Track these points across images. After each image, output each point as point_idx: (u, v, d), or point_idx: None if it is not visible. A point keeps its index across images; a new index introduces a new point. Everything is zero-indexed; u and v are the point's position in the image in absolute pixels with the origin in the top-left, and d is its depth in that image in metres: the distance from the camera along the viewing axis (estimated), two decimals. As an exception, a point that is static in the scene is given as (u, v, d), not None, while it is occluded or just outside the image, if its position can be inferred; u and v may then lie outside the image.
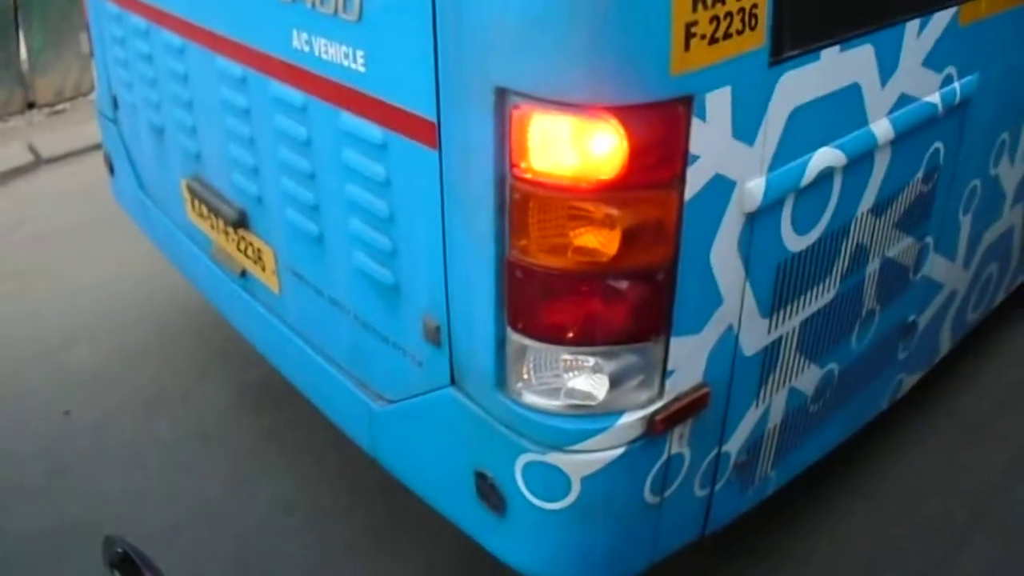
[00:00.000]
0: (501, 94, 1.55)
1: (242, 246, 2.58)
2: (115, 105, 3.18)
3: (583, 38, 1.45)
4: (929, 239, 2.41)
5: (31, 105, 6.33)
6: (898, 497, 2.77)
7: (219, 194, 2.59)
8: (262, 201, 2.38)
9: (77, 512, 2.82)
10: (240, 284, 2.67)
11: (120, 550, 1.56)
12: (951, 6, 2.06)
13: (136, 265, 4.03)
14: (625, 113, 1.49)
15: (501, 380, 1.80)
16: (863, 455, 2.85)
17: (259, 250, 2.50)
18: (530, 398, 1.78)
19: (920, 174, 2.22)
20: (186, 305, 3.75)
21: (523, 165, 1.58)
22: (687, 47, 1.48)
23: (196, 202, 2.74)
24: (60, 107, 6.40)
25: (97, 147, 3.71)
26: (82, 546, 2.21)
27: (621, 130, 1.50)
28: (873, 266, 2.22)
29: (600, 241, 1.60)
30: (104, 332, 3.75)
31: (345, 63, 1.85)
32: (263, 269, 2.52)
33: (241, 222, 2.50)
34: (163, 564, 2.56)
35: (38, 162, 5.52)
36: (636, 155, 1.53)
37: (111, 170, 3.43)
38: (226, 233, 2.63)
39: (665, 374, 1.77)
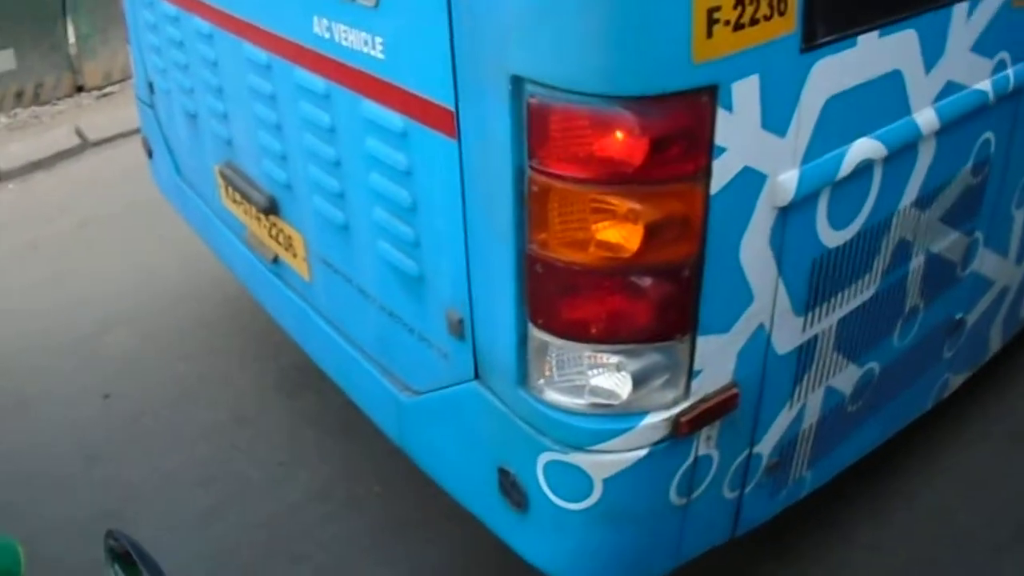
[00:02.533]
0: (518, 83, 1.50)
1: (273, 232, 2.57)
2: (151, 90, 3.19)
3: (601, 25, 1.39)
4: (979, 234, 2.31)
5: (80, 88, 6.41)
6: (939, 502, 2.67)
7: (250, 180, 2.59)
8: (291, 188, 2.37)
9: (111, 497, 2.85)
10: (272, 270, 2.67)
11: (122, 545, 1.52)
12: (1004, -13, 1.96)
13: (176, 249, 4.06)
14: (645, 103, 1.44)
15: (523, 376, 1.76)
16: (905, 457, 2.75)
17: (289, 237, 2.48)
18: (552, 395, 1.73)
19: (968, 166, 2.13)
20: (225, 289, 3.76)
21: (541, 156, 1.53)
22: (709, 34, 1.41)
23: (229, 188, 2.73)
24: (108, 90, 6.47)
25: (141, 130, 3.73)
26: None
27: (642, 121, 1.45)
28: (916, 262, 2.13)
29: (622, 236, 1.54)
30: (143, 316, 3.78)
31: (364, 50, 1.82)
32: (294, 256, 2.50)
33: (271, 209, 2.49)
34: (193, 550, 2.59)
35: (84, 145, 5.60)
36: (658, 147, 1.47)
37: (149, 154, 3.46)
38: (258, 219, 2.63)
39: (691, 374, 1.71)
